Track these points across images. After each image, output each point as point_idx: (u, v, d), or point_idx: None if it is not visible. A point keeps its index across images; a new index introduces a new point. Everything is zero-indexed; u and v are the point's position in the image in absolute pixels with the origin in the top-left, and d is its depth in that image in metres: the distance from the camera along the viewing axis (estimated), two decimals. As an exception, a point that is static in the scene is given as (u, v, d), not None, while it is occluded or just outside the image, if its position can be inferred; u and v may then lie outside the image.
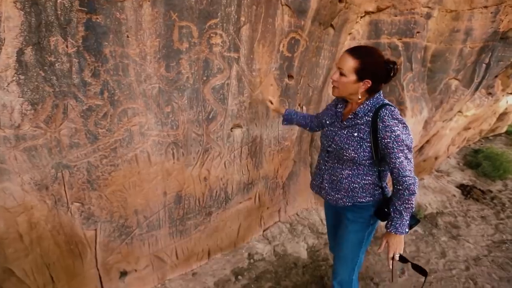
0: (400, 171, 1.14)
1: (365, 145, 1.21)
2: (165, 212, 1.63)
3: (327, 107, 1.49)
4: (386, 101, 1.22)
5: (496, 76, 2.83)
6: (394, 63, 1.18)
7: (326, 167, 1.39)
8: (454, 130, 3.07)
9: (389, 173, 1.25)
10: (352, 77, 1.18)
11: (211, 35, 1.43)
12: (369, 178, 1.27)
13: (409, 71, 2.27)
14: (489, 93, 2.89)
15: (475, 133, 3.98)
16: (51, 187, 1.23)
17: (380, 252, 1.30)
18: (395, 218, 1.22)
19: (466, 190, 3.37)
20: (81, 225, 1.38)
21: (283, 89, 1.91)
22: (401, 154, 1.14)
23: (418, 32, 2.20)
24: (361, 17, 2.30)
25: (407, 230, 1.24)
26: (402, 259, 1.27)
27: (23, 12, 0.94)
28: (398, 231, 1.22)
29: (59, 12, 1.00)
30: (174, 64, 1.36)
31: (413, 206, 1.21)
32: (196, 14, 1.33)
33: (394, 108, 1.20)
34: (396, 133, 1.13)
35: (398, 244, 1.26)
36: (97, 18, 1.09)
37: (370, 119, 1.19)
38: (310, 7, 1.77)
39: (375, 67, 1.16)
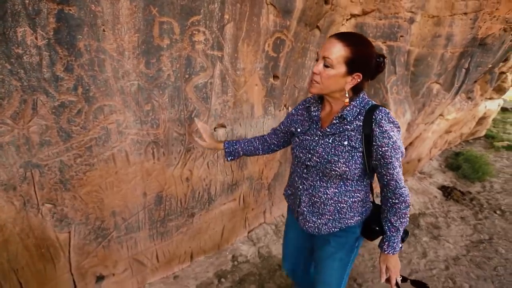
0: (398, 183, 1.00)
1: (357, 156, 1.00)
2: (145, 214, 1.58)
3: (291, 114, 1.24)
4: (374, 102, 1.04)
5: (475, 82, 2.92)
6: (384, 56, 1.01)
7: (305, 187, 1.13)
8: (436, 133, 3.15)
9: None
10: (341, 68, 0.95)
11: (194, 32, 1.39)
12: (358, 194, 1.09)
13: (393, 74, 2.30)
14: (469, 98, 2.99)
15: (456, 136, 4.10)
16: (19, 187, 1.16)
17: (382, 281, 1.12)
18: (392, 237, 1.07)
19: (447, 192, 3.46)
20: (53, 227, 1.31)
21: (268, 89, 1.90)
22: (397, 163, 0.99)
23: (401, 36, 2.24)
24: (347, 19, 2.33)
25: (400, 245, 1.10)
26: (403, 279, 1.15)
27: (-17, -1, 0.88)
28: (396, 251, 1.07)
29: (27, 1, 0.95)
30: (154, 61, 1.31)
31: (408, 219, 1.07)
32: (178, 10, 1.29)
33: (387, 109, 1.02)
34: (393, 139, 0.97)
35: (397, 265, 1.11)
36: (70, 10, 1.03)
37: (361, 123, 0.99)
38: (295, 7, 1.76)
39: (367, 58, 0.96)
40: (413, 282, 1.17)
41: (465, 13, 2.15)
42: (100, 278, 1.59)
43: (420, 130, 2.74)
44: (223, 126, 1.73)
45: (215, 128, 1.70)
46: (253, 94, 1.83)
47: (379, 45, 2.28)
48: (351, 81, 0.98)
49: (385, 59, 1.01)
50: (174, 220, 1.73)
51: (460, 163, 3.97)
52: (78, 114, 1.18)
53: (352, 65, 0.95)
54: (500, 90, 4.19)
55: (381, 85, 2.31)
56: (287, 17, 1.77)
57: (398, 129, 1.01)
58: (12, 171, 1.12)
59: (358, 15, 2.31)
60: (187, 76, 1.45)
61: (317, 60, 1.00)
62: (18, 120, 1.06)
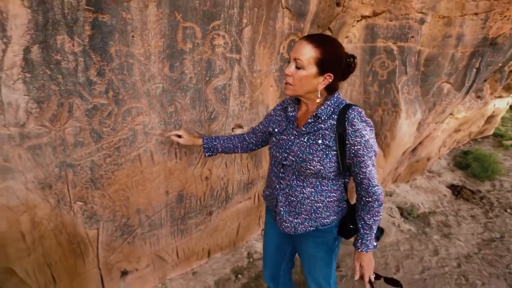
0: (370, 181, 1.02)
1: (331, 154, 1.01)
2: (167, 211, 1.64)
3: (270, 114, 1.26)
4: (348, 101, 1.06)
5: (485, 80, 2.93)
6: (354, 56, 1.02)
7: (282, 186, 1.14)
8: (445, 132, 3.16)
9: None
10: (312, 69, 0.97)
11: (214, 36, 1.45)
12: (334, 194, 1.10)
13: (404, 74, 2.33)
14: (478, 97, 3.00)
15: (465, 135, 4.10)
16: (54, 186, 1.23)
17: (356, 278, 1.14)
18: (365, 235, 1.08)
19: (456, 190, 3.47)
20: (84, 224, 1.38)
21: (282, 90, 1.94)
22: (370, 162, 1.00)
23: (412, 37, 2.27)
24: (358, 21, 2.36)
25: (375, 243, 1.11)
26: (376, 276, 1.17)
27: (30, 10, 0.95)
28: (369, 249, 1.09)
29: (66, 11, 1.01)
30: (177, 64, 1.37)
31: (381, 217, 1.09)
32: (200, 15, 1.35)
33: (360, 108, 1.03)
34: (366, 138, 0.98)
35: (371, 264, 1.12)
36: (104, 18, 1.09)
37: (334, 122, 1.00)
38: (309, 10, 1.81)
39: (337, 58, 0.98)
40: (387, 279, 1.17)
41: (476, 14, 2.18)
42: (124, 273, 1.66)
43: (430, 129, 2.76)
44: (240, 126, 1.79)
45: (232, 128, 1.75)
46: (268, 95, 1.88)
47: (390, 45, 2.32)
48: (323, 81, 1.00)
49: (355, 59, 1.03)
50: (193, 218, 1.79)
51: (469, 162, 3.97)
52: (108, 116, 1.24)
53: (322, 66, 0.97)
54: (509, 89, 4.18)
55: (392, 85, 2.34)
56: (301, 20, 1.82)
57: (371, 128, 1.02)
58: (49, 170, 1.19)
59: (369, 17, 2.34)
60: (207, 78, 1.51)
61: (289, 62, 1.01)
62: (55, 122, 1.13)
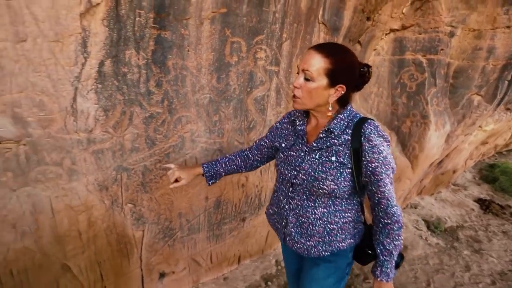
0: (389, 201, 0.93)
1: (346, 172, 0.93)
2: (205, 216, 1.70)
3: (275, 127, 1.15)
4: (362, 114, 0.98)
5: (515, 93, 2.89)
6: (369, 65, 0.94)
7: (291, 206, 1.04)
8: (472, 144, 3.12)
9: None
10: (322, 81, 0.89)
11: (257, 50, 1.53)
12: (349, 214, 1.01)
13: (433, 86, 2.35)
14: (508, 109, 2.95)
15: (491, 147, 4.01)
16: (110, 188, 1.32)
17: None
18: (385, 262, 0.97)
19: (484, 205, 3.38)
20: (132, 225, 1.46)
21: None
22: (388, 180, 0.93)
23: (442, 49, 2.29)
24: (386, 34, 2.42)
25: (394, 271, 1.00)
26: None
27: (108, 29, 1.05)
28: (390, 278, 0.98)
29: (136, 29, 1.11)
30: (224, 76, 1.46)
31: (402, 242, 0.98)
32: (246, 30, 1.44)
33: (377, 122, 0.96)
34: (384, 154, 0.91)
35: None
36: (165, 34, 1.19)
37: (349, 137, 0.92)
38: (343, 25, 1.88)
39: (349, 68, 0.91)
40: None
41: (508, 27, 2.19)
42: (162, 275, 1.72)
43: (459, 142, 2.74)
44: (275, 135, 1.85)
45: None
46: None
47: (419, 58, 2.34)
48: (334, 93, 0.92)
49: (370, 68, 0.94)
50: (228, 224, 1.84)
51: (496, 176, 3.87)
52: (162, 124, 1.33)
53: (333, 77, 0.89)
54: (537, 101, 4.08)
55: (421, 97, 2.36)
56: (335, 34, 1.89)
57: (388, 143, 0.95)
58: (107, 173, 1.28)
59: (397, 30, 2.39)
60: (248, 89, 1.59)
61: (298, 73, 0.94)
62: (117, 129, 1.22)
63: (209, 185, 1.24)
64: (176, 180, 1.19)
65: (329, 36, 1.86)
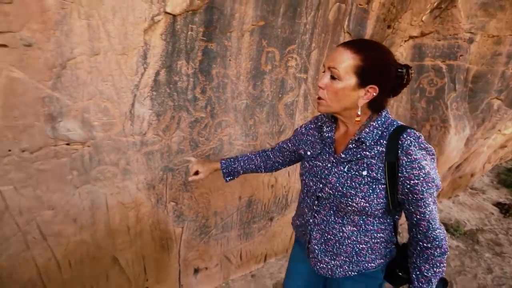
0: (431, 223, 0.81)
1: (379, 189, 0.82)
2: (237, 215, 1.80)
3: (301, 133, 1.05)
4: (400, 122, 0.85)
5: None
6: (408, 66, 0.81)
7: (316, 221, 0.95)
8: (491, 148, 3.14)
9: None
10: (351, 80, 0.78)
11: (289, 58, 1.64)
12: (381, 234, 0.91)
13: (453, 91, 2.40)
14: (527, 113, 2.98)
15: (508, 151, 4.00)
16: (156, 186, 1.43)
17: None
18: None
19: (504, 209, 3.38)
20: (173, 222, 1.56)
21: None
22: (430, 199, 0.81)
23: (461, 55, 2.35)
24: (405, 41, 2.49)
25: None
26: None
27: (164, 42, 1.17)
28: None
29: (187, 41, 1.23)
30: (259, 83, 1.56)
31: (444, 269, 0.87)
32: (280, 41, 1.55)
33: (419, 133, 0.82)
34: (426, 170, 0.78)
35: None
36: (211, 45, 1.31)
37: (383, 149, 0.81)
38: (366, 33, 1.97)
39: (383, 67, 0.78)
40: None
41: (527, 33, 2.24)
42: (196, 271, 1.81)
43: (479, 145, 2.77)
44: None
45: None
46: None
47: (439, 64, 2.41)
48: (365, 95, 0.80)
49: (410, 69, 0.81)
50: (257, 223, 1.93)
51: (515, 180, 3.85)
52: (205, 127, 1.44)
53: (364, 76, 0.77)
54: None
55: (440, 102, 2.42)
56: (358, 42, 1.98)
57: (432, 157, 0.81)
58: (155, 173, 1.39)
59: (417, 37, 2.47)
60: (280, 95, 1.69)
61: (323, 72, 0.84)
62: (166, 132, 1.34)
63: (226, 181, 1.22)
64: (196, 173, 1.19)
65: (353, 44, 1.95)
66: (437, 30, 2.39)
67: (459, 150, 2.61)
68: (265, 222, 1.98)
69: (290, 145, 1.11)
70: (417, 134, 0.80)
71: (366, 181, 0.82)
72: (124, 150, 1.27)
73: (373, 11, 1.92)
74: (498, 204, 3.49)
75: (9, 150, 1.06)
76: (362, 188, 0.82)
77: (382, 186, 0.81)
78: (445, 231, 0.86)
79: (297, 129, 1.10)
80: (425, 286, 0.86)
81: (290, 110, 1.78)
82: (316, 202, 0.93)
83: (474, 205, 3.47)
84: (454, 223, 3.06)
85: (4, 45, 0.91)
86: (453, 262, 2.48)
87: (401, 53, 2.54)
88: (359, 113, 0.82)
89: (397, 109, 2.65)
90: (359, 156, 0.83)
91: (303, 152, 1.00)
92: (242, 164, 1.19)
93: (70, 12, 0.95)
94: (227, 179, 1.22)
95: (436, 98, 2.44)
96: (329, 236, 0.92)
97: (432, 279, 0.85)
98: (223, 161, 1.20)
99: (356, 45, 0.79)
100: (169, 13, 1.12)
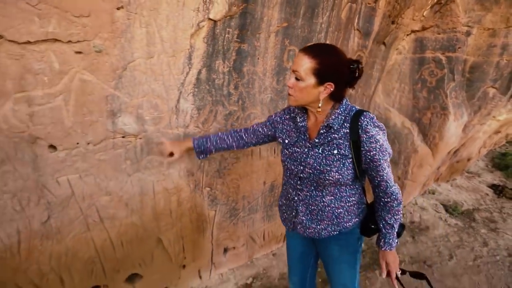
0: (388, 182, 1.05)
1: (348, 162, 1.02)
2: (262, 199, 1.98)
3: (276, 121, 1.22)
4: (357, 107, 1.06)
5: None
6: (358, 62, 1.00)
7: (300, 197, 1.15)
8: (486, 133, 3.35)
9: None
10: (310, 80, 0.96)
11: (307, 55, 1.80)
12: (353, 198, 1.14)
13: (452, 81, 2.59)
14: (519, 99, 3.18)
15: (502, 137, 4.23)
16: (195, 174, 1.60)
17: (383, 276, 1.19)
18: (387, 234, 1.11)
19: (498, 190, 3.63)
20: (208, 206, 1.74)
21: (347, 98, 2.26)
22: (385, 164, 1.04)
23: (459, 48, 2.53)
24: (407, 34, 2.66)
25: (397, 241, 1.14)
26: (402, 272, 1.20)
27: (206, 44, 1.33)
28: (392, 247, 1.12)
29: (224, 43, 1.39)
30: (281, 79, 1.73)
31: (401, 215, 1.12)
32: (300, 40, 1.70)
33: (372, 114, 1.04)
34: (380, 143, 1.01)
35: (396, 260, 1.15)
36: (243, 46, 1.46)
37: (347, 130, 1.01)
38: (373, 30, 2.14)
39: (336, 67, 0.97)
40: (412, 273, 1.20)
41: (520, 26, 2.42)
42: (225, 250, 2.00)
43: (475, 131, 2.98)
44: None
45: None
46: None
47: (439, 56, 2.59)
48: (324, 91, 0.98)
49: (360, 65, 0.99)
50: (278, 206, 2.12)
51: (508, 163, 4.10)
52: (236, 120, 1.61)
53: (321, 75, 0.95)
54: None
55: (440, 91, 2.60)
56: (366, 39, 2.15)
57: (384, 131, 1.05)
58: (194, 161, 1.56)
59: (418, 31, 2.64)
60: (298, 89, 1.86)
61: (291, 73, 1.03)
62: (205, 124, 1.50)
63: (199, 159, 1.38)
64: (171, 155, 1.35)
65: (361, 40, 2.12)
66: (437, 24, 2.56)
67: (457, 135, 2.81)
68: (285, 205, 2.17)
69: (266, 129, 1.28)
70: (371, 115, 1.03)
71: (337, 158, 1.03)
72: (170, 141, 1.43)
73: (380, 9, 2.08)
74: (492, 186, 3.74)
75: (77, 143, 1.22)
76: (335, 164, 1.03)
77: (350, 160, 1.03)
78: (399, 188, 1.09)
79: (271, 116, 1.27)
80: (390, 231, 1.11)
81: (307, 102, 1.95)
82: (298, 182, 1.13)
83: (471, 187, 3.71)
84: (452, 204, 3.30)
85: (80, 52, 1.06)
86: (452, 238, 2.72)
87: (404, 46, 2.72)
88: (320, 105, 1.02)
89: (400, 99, 2.84)
90: (329, 138, 1.04)
91: (281, 140, 1.19)
92: (214, 143, 1.34)
93: (133, 21, 1.10)
94: (200, 157, 1.37)
95: (437, 88, 2.62)
96: (312, 207, 1.14)
97: (394, 225, 1.10)
98: (196, 141, 1.34)
99: (313, 50, 0.97)
100: (211, 19, 1.27)
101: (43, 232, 1.30)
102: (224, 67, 1.44)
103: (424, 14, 2.52)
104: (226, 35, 1.37)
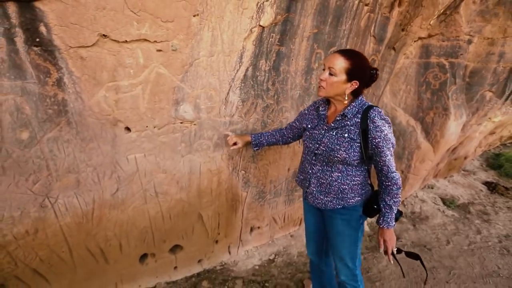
0: (389, 168, 1.21)
1: (355, 145, 1.22)
2: (285, 184, 2.23)
3: (304, 113, 1.50)
4: (370, 103, 1.26)
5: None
6: (376, 69, 1.24)
7: (314, 171, 1.38)
8: (482, 133, 3.64)
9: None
10: (342, 76, 1.20)
11: (330, 57, 2.04)
12: (358, 178, 1.31)
13: (453, 84, 2.86)
14: (513, 103, 3.47)
15: (496, 138, 4.54)
16: (234, 158, 1.84)
17: (381, 251, 1.33)
18: (386, 213, 1.27)
19: (491, 186, 3.93)
20: (241, 187, 1.98)
21: (363, 96, 2.52)
22: (388, 152, 1.20)
23: (461, 54, 2.80)
24: (415, 41, 2.93)
25: (394, 224, 1.29)
26: (398, 251, 1.32)
27: (254, 46, 1.56)
28: (390, 225, 1.27)
29: (268, 46, 1.63)
30: (309, 78, 1.97)
31: (400, 199, 1.27)
32: (326, 44, 1.95)
33: (380, 109, 1.24)
34: (385, 133, 1.18)
35: (393, 238, 1.29)
36: (282, 49, 1.70)
37: (359, 120, 1.22)
38: (386, 36, 2.39)
39: (363, 69, 1.21)
40: (407, 253, 1.32)
41: (516, 36, 2.70)
42: (251, 229, 2.25)
43: (473, 130, 3.26)
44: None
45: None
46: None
47: (442, 61, 2.86)
48: (350, 87, 1.23)
49: (377, 71, 1.25)
50: (298, 191, 2.37)
51: (501, 163, 4.41)
52: (272, 112, 1.85)
53: (350, 74, 1.20)
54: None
55: (443, 93, 2.87)
56: (380, 44, 2.40)
57: (389, 125, 1.23)
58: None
59: (424, 38, 2.90)
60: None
61: (323, 69, 1.27)
62: (247, 115, 1.74)
63: (254, 150, 1.72)
64: (234, 144, 1.64)
65: (376, 45, 2.37)
66: (442, 33, 2.83)
67: (457, 134, 3.09)
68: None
69: (297, 123, 1.56)
70: (380, 110, 1.24)
71: (347, 140, 1.24)
72: (218, 128, 1.67)
73: (393, 18, 2.34)
74: (486, 183, 4.04)
75: (146, 126, 1.45)
76: (344, 145, 1.25)
77: (357, 144, 1.23)
78: (399, 175, 1.25)
79: (301, 111, 1.55)
80: (388, 211, 1.27)
81: (328, 99, 2.20)
82: (314, 157, 1.37)
83: (466, 183, 4.01)
84: (449, 198, 3.58)
85: (160, 50, 1.29)
86: (449, 227, 3.00)
87: (411, 51, 2.98)
88: (346, 98, 1.27)
89: (406, 99, 3.10)
90: (342, 124, 1.27)
91: (305, 125, 1.45)
92: (266, 138, 1.67)
93: (204, 26, 1.33)
94: (255, 148, 1.70)
95: (439, 90, 2.89)
96: (322, 180, 1.36)
97: (393, 206, 1.27)
98: (253, 136, 1.67)
99: (348, 53, 1.22)
100: (261, 26, 1.50)
101: (112, 202, 1.53)
102: (265, 66, 1.68)
103: (430, 23, 2.78)
104: (270, 39, 1.61)
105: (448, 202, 3.47)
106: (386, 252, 1.33)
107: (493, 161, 4.63)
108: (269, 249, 2.36)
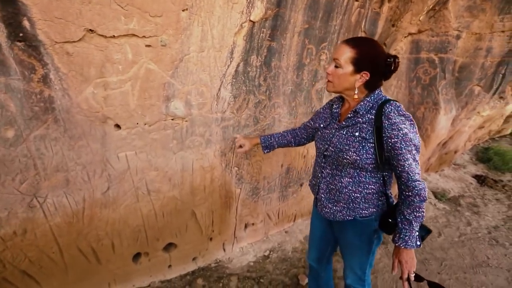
0: (410, 175, 0.99)
1: (368, 146, 1.04)
2: (279, 180, 2.23)
3: (318, 112, 1.37)
4: (389, 97, 1.08)
5: (507, 83, 3.48)
6: (396, 57, 1.05)
7: (323, 175, 1.22)
8: (471, 127, 3.70)
9: (393, 179, 1.14)
10: (349, 68, 1.05)
11: (321, 53, 2.05)
12: (372, 186, 1.12)
13: (443, 79, 2.91)
14: (501, 97, 3.53)
15: (485, 132, 4.62)
16: (227, 154, 1.83)
17: (394, 274, 1.14)
18: (403, 230, 1.04)
19: (481, 179, 4.00)
20: (235, 184, 1.97)
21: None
22: (409, 155, 0.98)
23: (450, 49, 2.84)
24: (405, 37, 2.95)
25: (418, 243, 1.05)
26: (418, 278, 1.07)
27: (245, 42, 1.55)
28: (408, 245, 1.04)
29: (259, 41, 1.62)
30: (300, 73, 1.97)
31: (424, 214, 1.04)
32: (317, 40, 1.95)
33: (399, 103, 1.05)
34: (404, 131, 0.98)
35: (411, 261, 1.06)
36: (273, 44, 1.70)
37: (373, 117, 1.04)
38: (377, 32, 2.41)
39: (373, 57, 1.03)
40: (430, 283, 1.06)
41: (503, 31, 2.74)
42: (246, 226, 2.24)
43: (462, 124, 3.32)
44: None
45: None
46: (345, 95, 2.47)
47: (432, 56, 2.90)
48: (360, 79, 1.06)
49: (397, 59, 1.04)
50: (291, 187, 2.38)
51: (490, 156, 4.50)
52: (264, 108, 1.84)
53: (358, 64, 1.03)
54: (524, 92, 4.69)
55: (433, 88, 2.91)
56: (371, 39, 2.42)
57: (411, 122, 1.02)
58: (226, 143, 1.79)
59: (414, 33, 2.93)
60: (313, 83, 2.11)
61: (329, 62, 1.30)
62: (238, 111, 1.73)
63: (264, 153, 1.59)
64: (240, 146, 1.58)
65: (367, 40, 2.38)
66: (431, 28, 2.86)
67: (447, 128, 3.14)
68: (297, 187, 2.43)
69: (312, 122, 1.44)
70: (398, 104, 1.05)
71: (357, 140, 1.07)
72: (209, 124, 1.65)
73: (383, 14, 2.35)
74: (476, 176, 4.12)
75: (137, 123, 1.43)
76: (354, 145, 1.07)
77: (370, 144, 1.04)
78: (424, 184, 1.02)
79: (317, 110, 1.44)
80: (407, 227, 1.04)
81: (319, 95, 2.20)
82: (323, 160, 1.22)
83: (457, 177, 4.08)
84: (440, 191, 3.64)
85: (149, 45, 1.27)
86: (440, 219, 3.05)
87: (401, 47, 3.01)
88: (356, 92, 1.11)
89: (397, 94, 3.13)
90: (354, 122, 1.11)
91: (318, 125, 1.32)
92: (277, 140, 1.56)
93: (193, 21, 1.32)
94: (265, 151, 1.59)
95: (429, 85, 2.93)
96: (331, 186, 1.20)
97: (413, 222, 1.03)
98: (262, 138, 1.57)
99: (354, 41, 1.06)
100: (251, 21, 1.50)
101: (103, 201, 1.51)
102: (257, 62, 1.67)
103: (420, 19, 2.81)
104: (261, 34, 1.60)
105: (439, 195, 3.53)
106: (401, 277, 1.09)
107: (482, 154, 4.72)
108: (263, 245, 2.36)
